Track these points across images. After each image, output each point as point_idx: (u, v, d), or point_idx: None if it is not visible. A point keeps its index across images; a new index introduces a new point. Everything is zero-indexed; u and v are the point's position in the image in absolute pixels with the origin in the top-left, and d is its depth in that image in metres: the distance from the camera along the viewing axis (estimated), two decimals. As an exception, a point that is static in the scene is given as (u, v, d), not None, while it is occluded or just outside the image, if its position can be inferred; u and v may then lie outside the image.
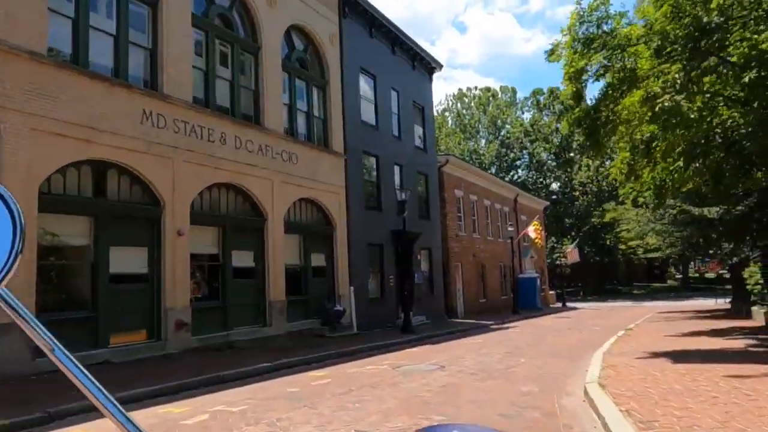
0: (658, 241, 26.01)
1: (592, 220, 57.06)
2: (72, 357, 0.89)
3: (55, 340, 0.90)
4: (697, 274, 74.29)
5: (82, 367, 0.89)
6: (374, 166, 20.69)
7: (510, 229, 30.59)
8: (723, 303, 38.11)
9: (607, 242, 61.57)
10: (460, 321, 24.38)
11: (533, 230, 31.28)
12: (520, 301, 35.45)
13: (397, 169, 21.94)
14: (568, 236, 59.91)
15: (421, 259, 23.62)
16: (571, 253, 41.29)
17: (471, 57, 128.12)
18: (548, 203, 46.75)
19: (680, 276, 69.06)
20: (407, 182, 22.43)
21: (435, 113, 39.34)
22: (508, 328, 21.97)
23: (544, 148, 55.62)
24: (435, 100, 76.27)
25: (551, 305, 44.00)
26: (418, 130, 24.49)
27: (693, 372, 9.05)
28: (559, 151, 57.72)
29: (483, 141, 60.02)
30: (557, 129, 58.43)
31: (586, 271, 62.20)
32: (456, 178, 27.80)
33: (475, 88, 62.51)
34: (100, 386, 0.90)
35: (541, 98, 60.14)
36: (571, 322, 24.74)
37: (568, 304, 45.15)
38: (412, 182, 23.02)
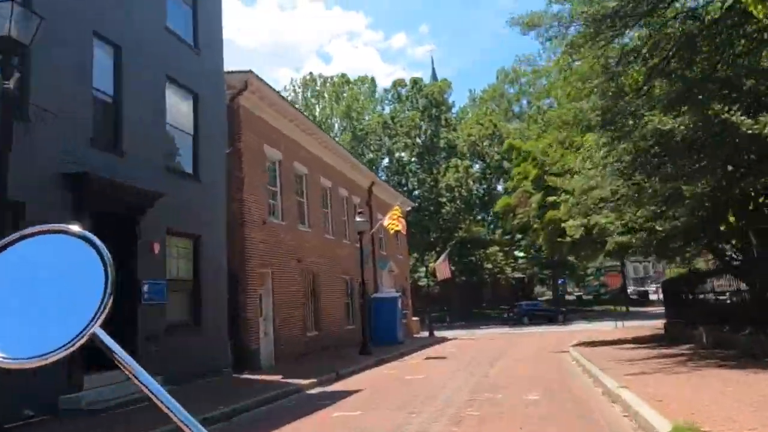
0: (616, 221, 16.45)
1: (458, 233, 48.82)
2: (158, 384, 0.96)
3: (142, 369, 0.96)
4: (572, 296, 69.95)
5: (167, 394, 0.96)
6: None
7: (359, 219, 19.56)
8: (628, 327, 30.78)
9: (475, 258, 53.96)
10: (257, 379, 12.70)
11: (391, 219, 20.59)
12: (376, 334, 24.66)
13: (101, 50, 9.97)
14: (434, 251, 51.20)
15: (173, 256, 11.75)
16: (441, 268, 31.64)
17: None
18: (414, 204, 36.91)
19: (550, 297, 63.63)
20: (144, 90, 10.69)
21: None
22: (341, 396, 10.82)
23: (406, 145, 46.37)
24: (279, 85, 65.03)
25: (415, 335, 33.95)
26: (181, 8, 12.79)
27: None
28: (424, 151, 48.93)
29: (338, 136, 49.52)
30: (422, 127, 49.90)
31: (453, 293, 53.77)
32: (268, 127, 16.39)
33: (330, 78, 52.17)
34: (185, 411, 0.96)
35: (403, 90, 51.31)
36: (459, 369, 14.30)
37: (436, 333, 35.52)
38: (152, 94, 11.22)
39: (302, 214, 18.61)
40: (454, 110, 51.58)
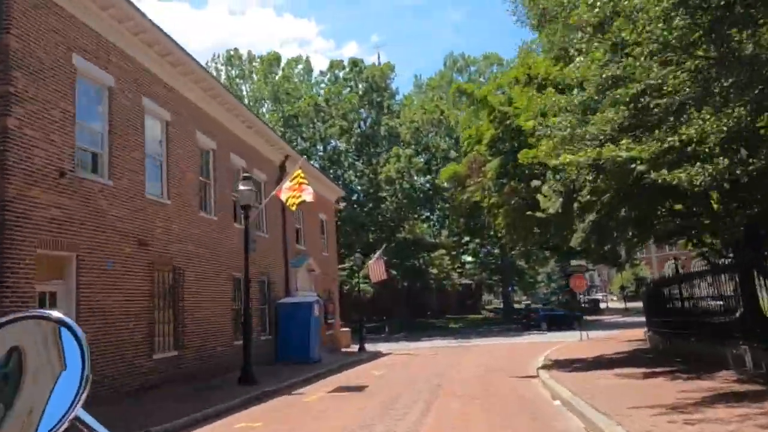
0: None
1: (401, 233, 43.51)
2: None
3: None
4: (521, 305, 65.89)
5: None
6: None
7: (243, 187, 13.53)
8: (595, 338, 26.20)
9: (419, 262, 48.78)
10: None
11: (292, 191, 14.67)
12: (283, 350, 19.00)
13: None
14: (374, 252, 45.71)
15: None
16: (374, 268, 26.15)
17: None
18: (344, 193, 31.25)
19: (501, 306, 59.29)
20: None
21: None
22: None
23: (342, 130, 40.71)
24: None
25: (345, 349, 28.25)
26: None
27: None
28: (363, 140, 43.44)
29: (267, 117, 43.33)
30: (362, 114, 44.45)
31: (394, 301, 48.37)
32: (80, 27, 10.39)
33: (258, 56, 46.01)
34: None
35: (341, 73, 45.79)
36: (373, 418, 8.68)
37: (369, 346, 29.92)
38: None
39: (155, 177, 12.59)
40: (398, 98, 46.41)
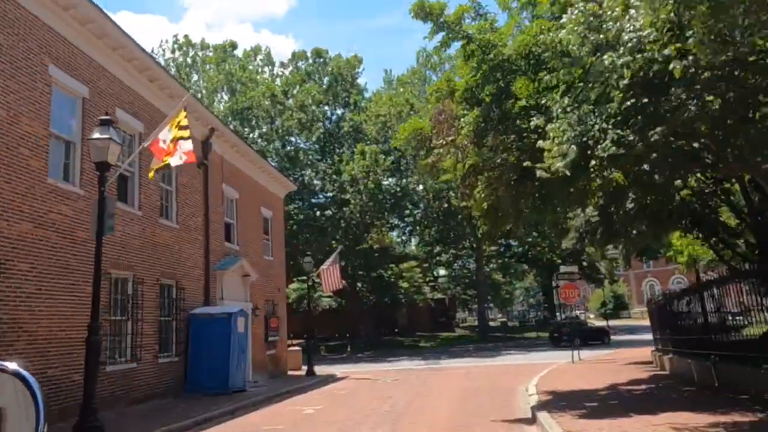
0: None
1: (367, 242, 39.22)
2: None
3: None
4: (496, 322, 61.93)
5: None
6: None
7: (96, 138, 9.18)
8: (588, 358, 22.26)
9: (387, 274, 44.46)
10: None
11: (167, 147, 10.13)
12: (194, 375, 14.43)
13: None
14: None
15: None
16: (328, 275, 21.76)
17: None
18: (295, 187, 26.80)
19: (476, 323, 55.20)
20: None
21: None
22: None
23: (301, 123, 36.37)
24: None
25: (292, 371, 23.68)
26: None
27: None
28: (326, 139, 39.22)
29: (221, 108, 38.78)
30: (326, 111, 40.30)
31: (360, 316, 43.86)
32: None
33: (211, 46, 41.64)
34: None
35: (303, 64, 41.68)
36: None
37: (325, 369, 25.38)
38: None
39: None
40: (367, 95, 42.40)
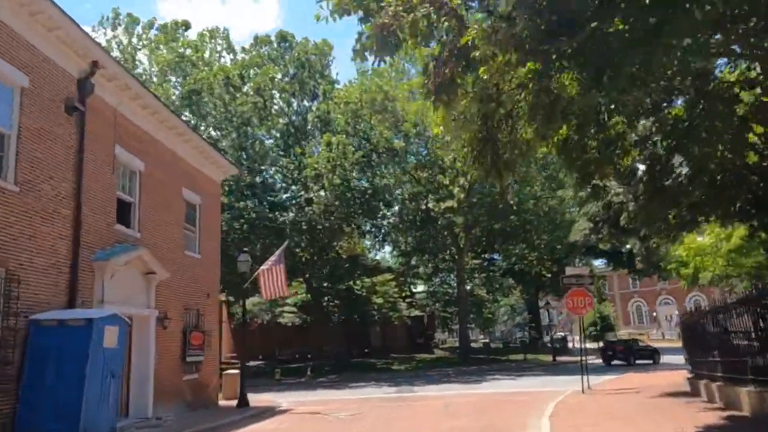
0: None
1: (336, 250, 34.49)
2: None
3: None
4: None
5: None
6: None
7: None
8: (600, 385, 17.77)
9: (358, 287, 39.61)
10: None
11: None
12: (32, 417, 9.26)
13: None
14: (299, 280, 36.21)
15: None
16: (268, 277, 16.93)
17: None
18: (236, 170, 21.85)
19: (456, 344, 50.40)
20: None
21: None
22: None
23: (256, 107, 31.60)
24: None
25: (223, 401, 18.65)
26: None
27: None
28: (290, 132, 34.59)
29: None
30: (291, 103, 35.73)
31: (327, 335, 38.74)
32: None
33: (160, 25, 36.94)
34: None
35: (266, 49, 37.18)
36: None
37: (273, 397, 20.38)
38: None
39: None
40: (339, 87, 37.92)
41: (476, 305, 49.32)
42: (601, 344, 45.44)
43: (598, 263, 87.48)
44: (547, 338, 65.01)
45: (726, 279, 36.34)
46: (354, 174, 29.25)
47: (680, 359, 36.21)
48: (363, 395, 21.05)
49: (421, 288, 53.12)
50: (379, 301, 43.21)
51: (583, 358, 17.05)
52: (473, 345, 63.34)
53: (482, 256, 47.63)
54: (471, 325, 65.27)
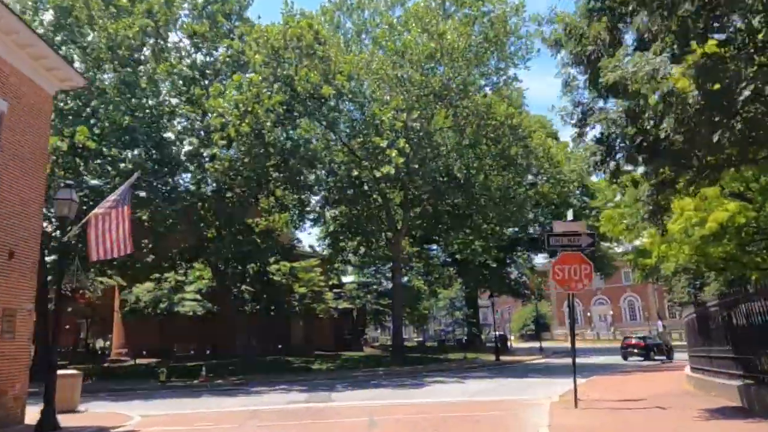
0: None
1: (238, 223, 28.38)
2: None
3: None
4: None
5: None
6: None
7: None
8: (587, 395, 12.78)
9: (273, 271, 33.64)
10: None
11: None
12: None
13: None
14: (202, 261, 29.61)
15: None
16: (101, 228, 10.78)
17: None
18: (81, 82, 15.23)
19: (388, 342, 45.26)
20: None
21: None
22: None
23: (143, 32, 24.85)
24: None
25: (62, 415, 12.28)
26: None
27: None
28: (195, 80, 28.02)
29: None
30: (203, 47, 29.16)
31: (239, 329, 32.29)
32: None
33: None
34: None
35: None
36: None
37: (121, 407, 14.23)
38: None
39: None
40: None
41: (413, 298, 44.30)
42: (568, 344, 41.48)
43: (540, 259, 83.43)
44: (484, 337, 61.12)
45: (684, 271, 32.95)
46: (269, 124, 23.20)
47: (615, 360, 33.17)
48: (257, 405, 15.23)
49: (351, 279, 47.64)
50: (302, 290, 37.37)
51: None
52: (407, 344, 58.44)
53: (422, 245, 42.64)
54: (405, 322, 60.45)
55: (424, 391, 17.88)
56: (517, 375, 24.04)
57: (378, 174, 26.58)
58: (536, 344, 68.58)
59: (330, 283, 39.48)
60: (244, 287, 31.26)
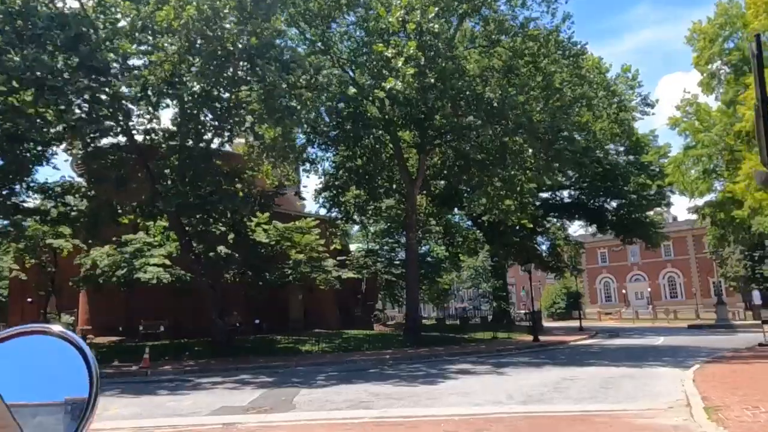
0: None
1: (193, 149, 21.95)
2: None
3: None
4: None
5: None
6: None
7: None
8: None
9: (255, 233, 27.34)
10: None
11: None
12: None
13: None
14: (159, 216, 23.20)
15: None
16: None
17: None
18: None
19: (402, 320, 38.97)
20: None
21: None
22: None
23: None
24: None
25: None
26: None
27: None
28: None
29: None
30: None
31: (201, 299, 25.91)
32: None
33: None
34: None
35: None
36: None
37: None
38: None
39: None
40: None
41: (432, 268, 37.68)
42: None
43: (576, 227, 75.68)
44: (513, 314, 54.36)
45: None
46: (227, 10, 16.46)
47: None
48: (153, 418, 8.84)
49: (360, 246, 41.11)
50: (299, 256, 31.02)
51: None
52: (425, 321, 52.00)
53: (443, 205, 35.73)
54: (423, 297, 53.94)
55: (444, 390, 11.32)
56: (572, 362, 17.36)
57: (382, 94, 19.74)
58: (568, 323, 61.63)
59: (332, 248, 33.04)
60: (221, 250, 24.86)
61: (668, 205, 45.27)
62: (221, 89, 18.25)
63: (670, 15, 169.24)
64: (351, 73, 23.81)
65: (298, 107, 18.88)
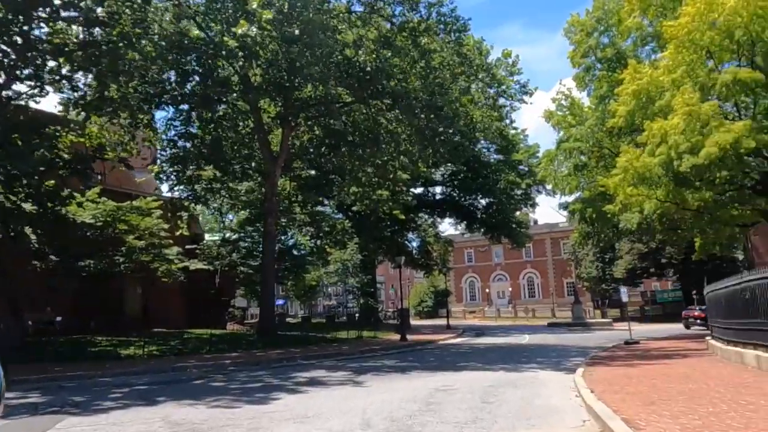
0: None
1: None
2: None
3: None
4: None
5: None
6: None
7: None
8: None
9: (93, 222, 22.41)
10: None
11: None
12: None
13: None
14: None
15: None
16: None
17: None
18: None
19: (251, 316, 35.11)
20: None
21: None
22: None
23: None
24: None
25: None
26: None
27: None
28: None
29: None
30: None
31: (36, 292, 20.34)
32: None
33: None
34: None
35: None
36: None
37: None
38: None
39: None
40: None
41: (296, 260, 34.32)
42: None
43: (447, 225, 76.02)
44: (381, 313, 52.60)
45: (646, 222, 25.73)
46: None
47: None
48: None
49: (211, 236, 36.63)
50: (138, 243, 26.12)
51: None
52: (291, 320, 48.46)
53: (310, 190, 32.51)
54: (289, 295, 50.31)
55: (277, 413, 8.15)
56: (444, 366, 15.08)
57: (234, 43, 16.11)
58: (435, 321, 61.47)
59: (178, 234, 28.43)
60: (18, 227, 19.49)
61: (534, 205, 45.98)
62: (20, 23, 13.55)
63: (539, 37, 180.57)
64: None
65: (122, 48, 14.68)
